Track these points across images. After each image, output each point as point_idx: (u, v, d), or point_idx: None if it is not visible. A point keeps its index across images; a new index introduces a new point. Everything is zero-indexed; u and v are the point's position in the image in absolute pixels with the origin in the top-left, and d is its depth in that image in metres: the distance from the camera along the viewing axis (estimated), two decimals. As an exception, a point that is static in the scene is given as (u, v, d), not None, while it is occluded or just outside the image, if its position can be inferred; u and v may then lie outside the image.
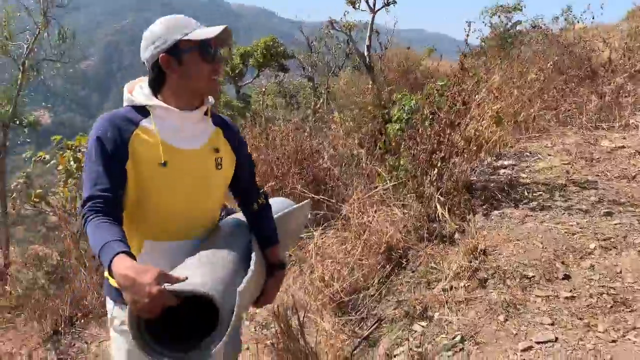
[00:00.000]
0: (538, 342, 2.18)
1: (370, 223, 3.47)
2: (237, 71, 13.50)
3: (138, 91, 1.59)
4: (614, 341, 2.11)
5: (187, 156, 1.59)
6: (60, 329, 4.25)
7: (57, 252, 5.05)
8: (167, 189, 1.56)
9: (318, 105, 13.01)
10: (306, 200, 2.47)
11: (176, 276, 1.30)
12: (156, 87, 1.58)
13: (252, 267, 1.54)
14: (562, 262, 2.68)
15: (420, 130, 3.52)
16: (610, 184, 3.37)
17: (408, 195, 3.58)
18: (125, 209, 1.56)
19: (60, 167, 7.27)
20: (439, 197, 3.28)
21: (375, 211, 3.57)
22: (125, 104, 1.60)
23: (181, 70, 1.53)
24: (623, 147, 3.86)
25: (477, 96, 3.51)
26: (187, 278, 1.31)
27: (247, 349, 3.62)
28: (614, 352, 2.05)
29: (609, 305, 2.32)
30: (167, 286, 1.24)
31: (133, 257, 1.32)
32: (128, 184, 1.53)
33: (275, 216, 2.00)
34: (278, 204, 2.22)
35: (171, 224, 1.60)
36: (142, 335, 1.33)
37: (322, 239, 3.87)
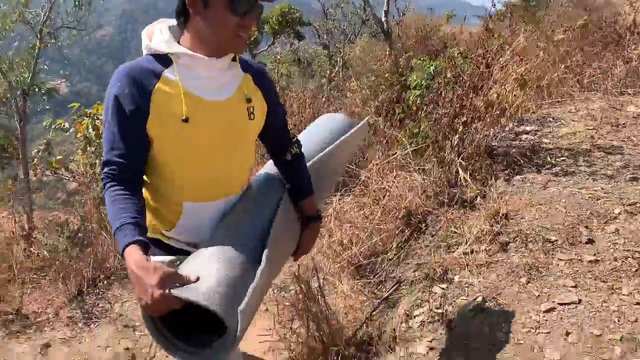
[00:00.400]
0: (561, 304, 2.18)
1: (390, 188, 3.45)
2: (252, 38, 13.37)
3: (158, 37, 1.43)
4: (638, 303, 2.10)
5: (216, 108, 1.45)
6: (84, 289, 4.35)
7: (79, 216, 5.13)
8: (197, 146, 1.45)
9: (333, 74, 12.85)
10: (365, 119, 2.23)
11: (186, 276, 1.26)
12: (180, 22, 1.45)
13: (259, 272, 1.38)
14: (586, 227, 2.66)
15: (442, 93, 3.46)
16: (636, 149, 3.30)
17: (428, 160, 3.56)
18: (155, 172, 1.49)
19: (79, 135, 7.35)
20: (461, 161, 3.25)
21: (395, 177, 3.56)
22: (144, 52, 1.45)
23: (205, 14, 1.37)
24: (650, 112, 3.77)
25: (501, 59, 3.44)
26: (197, 279, 1.25)
27: (267, 310, 3.69)
28: (639, 314, 2.04)
29: (633, 269, 2.30)
30: (173, 291, 1.21)
31: (146, 245, 1.30)
32: (155, 144, 1.43)
33: (331, 146, 1.90)
34: (332, 123, 2.09)
35: (206, 184, 1.52)
36: (157, 328, 1.30)
37: (340, 204, 3.88)
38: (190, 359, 1.32)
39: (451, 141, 3.50)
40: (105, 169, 1.41)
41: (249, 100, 1.51)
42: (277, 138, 1.73)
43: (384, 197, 3.52)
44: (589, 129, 3.70)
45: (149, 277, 1.20)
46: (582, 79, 4.63)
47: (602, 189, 2.95)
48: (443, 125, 3.44)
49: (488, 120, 3.34)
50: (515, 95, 3.37)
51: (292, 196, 1.75)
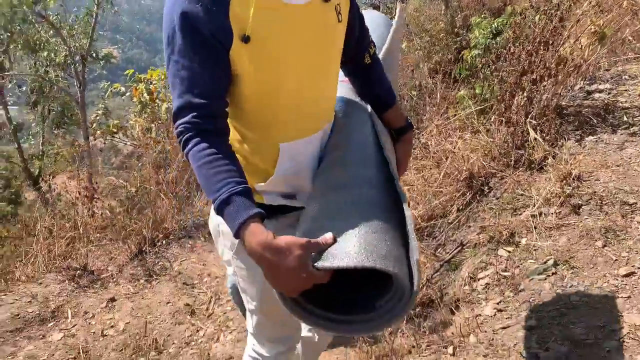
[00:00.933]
0: (642, 268, 2.06)
1: (454, 149, 3.33)
2: None
3: None
4: None
5: (303, 14, 1.15)
6: (144, 248, 4.51)
7: (138, 179, 5.28)
8: (288, 68, 1.17)
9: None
10: (399, 7, 1.79)
11: (322, 241, 1.02)
12: None
13: (407, 211, 1.12)
14: (669, 189, 2.48)
15: (511, 49, 3.27)
16: None
17: (493, 120, 3.40)
18: (240, 112, 1.23)
19: (134, 100, 7.54)
20: (531, 120, 3.08)
21: (460, 137, 3.43)
22: None
23: None
24: None
25: (578, 10, 3.20)
26: (334, 239, 1.02)
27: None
28: None
29: None
30: (320, 264, 1.00)
31: (263, 216, 1.07)
32: (244, 75, 1.14)
33: (387, 42, 1.62)
34: (370, 19, 1.67)
35: (302, 114, 1.26)
36: (306, 309, 1.09)
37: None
38: (366, 328, 1.08)
39: (517, 100, 3.32)
40: (184, 119, 1.10)
41: None
42: (359, 38, 1.40)
43: (446, 158, 3.40)
44: (670, 87, 3.43)
45: (287, 260, 0.98)
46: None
47: (686, 150, 2.74)
48: (510, 83, 3.26)
49: (560, 77, 3.14)
50: (591, 50, 3.15)
51: (376, 109, 1.49)
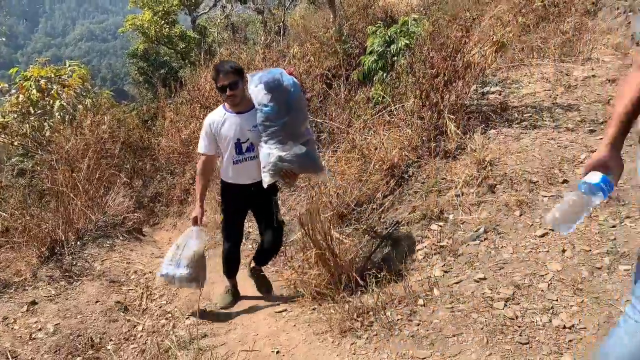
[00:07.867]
0: (552, 230, 2.58)
1: (381, 144, 3.73)
2: (193, 0, 12.95)
3: None
4: (613, 226, 2.54)
5: None
6: (56, 250, 4.30)
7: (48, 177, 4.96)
8: None
9: (269, 40, 12.77)
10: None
11: None
12: None
13: None
14: (560, 170, 3.09)
15: (427, 54, 3.75)
16: (589, 107, 3.80)
17: (410, 117, 3.86)
18: None
19: (21, 98, 7.00)
20: (450, 115, 3.57)
21: (376, 132, 3.84)
22: None
23: None
24: (594, 76, 4.30)
25: (482, 23, 3.77)
26: None
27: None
28: (616, 234, 2.48)
29: (605, 202, 2.75)
30: None
31: None
32: None
33: None
34: None
35: None
36: None
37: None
38: None
39: (430, 99, 3.82)
40: None
41: None
42: None
43: (370, 150, 3.79)
44: (545, 90, 4.17)
45: None
46: (531, 47, 5.10)
47: (567, 139, 3.40)
48: (425, 84, 3.74)
49: (467, 79, 3.69)
50: (494, 56, 3.73)
51: None
